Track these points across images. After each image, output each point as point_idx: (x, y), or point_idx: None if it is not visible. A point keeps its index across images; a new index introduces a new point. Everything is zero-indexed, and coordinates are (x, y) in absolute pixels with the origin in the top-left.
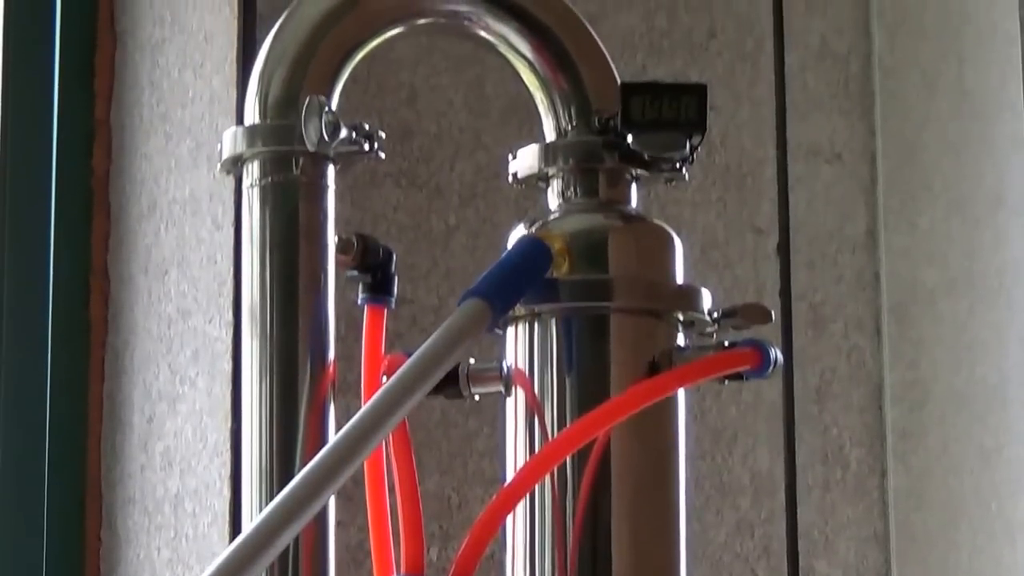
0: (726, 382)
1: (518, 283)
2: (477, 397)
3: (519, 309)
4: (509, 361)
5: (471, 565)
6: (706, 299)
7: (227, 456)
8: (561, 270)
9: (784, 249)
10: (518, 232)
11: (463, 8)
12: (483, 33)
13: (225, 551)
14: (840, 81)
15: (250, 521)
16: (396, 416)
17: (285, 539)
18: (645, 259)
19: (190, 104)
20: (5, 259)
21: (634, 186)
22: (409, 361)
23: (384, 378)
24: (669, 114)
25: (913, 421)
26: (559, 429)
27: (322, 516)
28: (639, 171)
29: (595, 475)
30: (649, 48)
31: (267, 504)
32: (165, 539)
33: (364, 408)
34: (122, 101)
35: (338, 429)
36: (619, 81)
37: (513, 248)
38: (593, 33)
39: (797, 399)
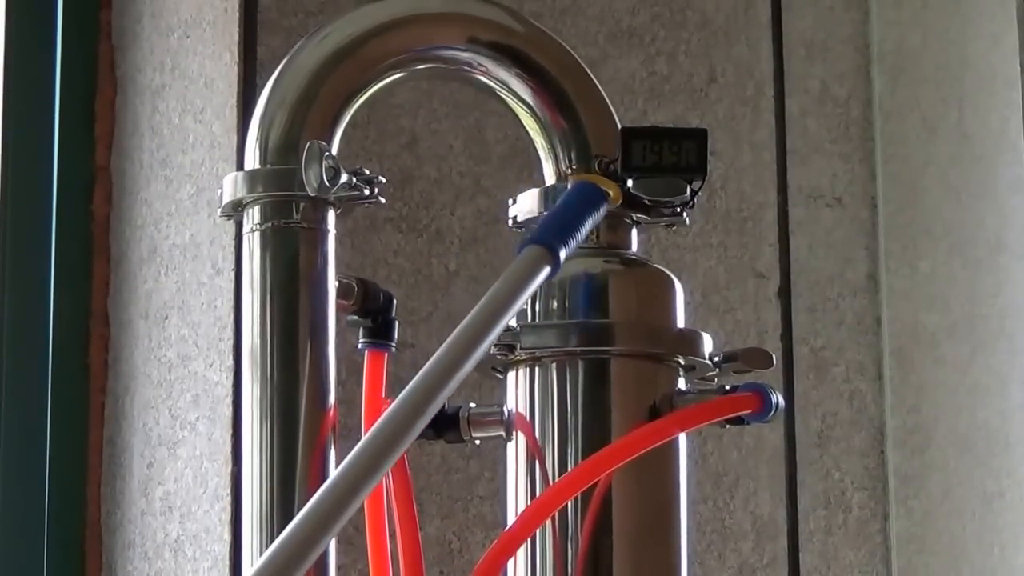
0: (727, 426)
1: (575, 225)
2: (478, 441)
3: (519, 353)
4: (510, 405)
5: None
6: (707, 343)
7: (227, 501)
8: (614, 202)
9: (785, 293)
10: None
11: (463, 54)
12: (483, 78)
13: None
14: (841, 125)
15: (250, 566)
16: (465, 367)
17: (325, 539)
18: (646, 303)
19: (190, 149)
20: (6, 303)
21: (635, 230)
22: (473, 312)
23: None
24: (669, 159)
25: (915, 465)
26: (560, 473)
27: (323, 561)
28: (640, 216)
29: (596, 519)
30: (649, 93)
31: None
32: None
33: (431, 361)
34: (122, 146)
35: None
36: (619, 126)
37: (568, 192)
38: (593, 78)
39: (799, 443)
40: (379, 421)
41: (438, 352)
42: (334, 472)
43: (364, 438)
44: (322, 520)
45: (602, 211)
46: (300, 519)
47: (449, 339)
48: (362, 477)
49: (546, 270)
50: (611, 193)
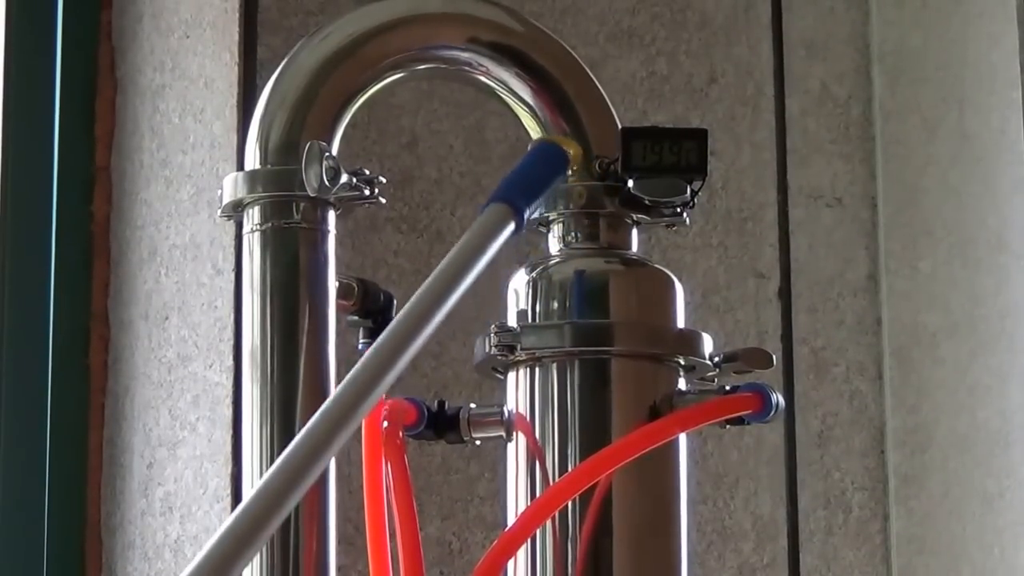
0: (727, 426)
1: (537, 185)
2: (478, 442)
3: (520, 353)
4: (510, 406)
5: None
6: (707, 344)
7: (227, 501)
8: (575, 169)
9: (785, 293)
10: (519, 278)
11: (463, 54)
12: (483, 78)
13: (251, 494)
14: (841, 125)
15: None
16: (428, 327)
17: (316, 469)
18: (646, 304)
19: (191, 150)
20: (6, 303)
21: (635, 231)
22: (437, 270)
23: (385, 423)
24: (670, 159)
25: (915, 465)
26: (560, 474)
27: (323, 561)
28: (640, 216)
29: (596, 520)
30: (650, 93)
31: (268, 550)
32: None
33: (396, 319)
34: (122, 147)
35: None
36: (620, 126)
37: (529, 153)
38: (594, 78)
39: (799, 443)
40: (342, 383)
41: (405, 308)
42: (297, 435)
43: (336, 389)
44: (284, 483)
45: (564, 171)
46: (280, 460)
47: (413, 298)
48: (324, 442)
49: (510, 227)
50: (571, 152)
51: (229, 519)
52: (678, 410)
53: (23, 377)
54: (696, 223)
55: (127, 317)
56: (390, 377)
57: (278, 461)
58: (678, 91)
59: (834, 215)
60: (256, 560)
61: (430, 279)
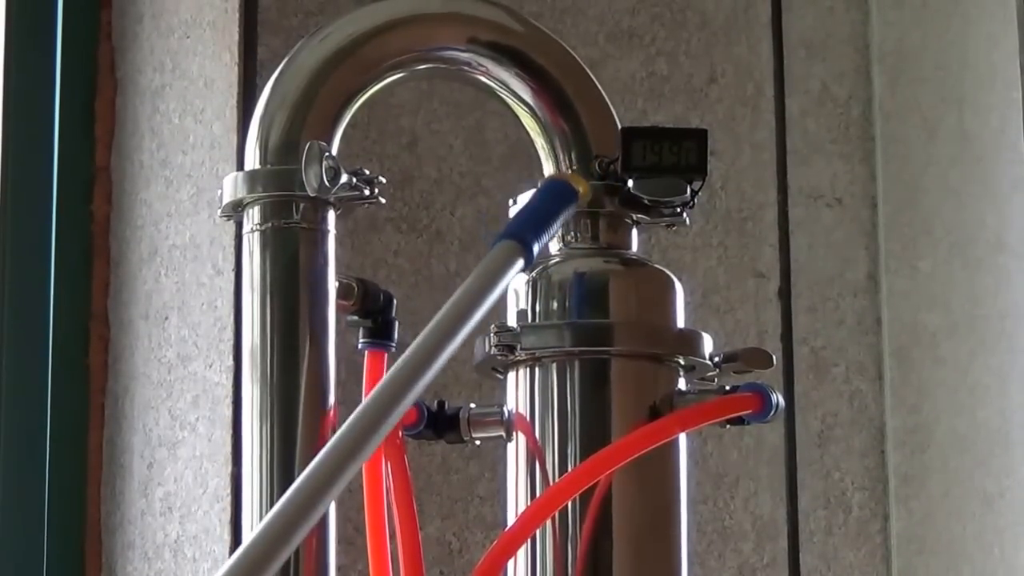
0: (727, 426)
1: (546, 221)
2: (478, 442)
3: (519, 354)
4: (510, 406)
5: None
6: (707, 344)
7: (227, 501)
8: (585, 197)
9: (785, 293)
10: (519, 278)
11: (463, 54)
12: (483, 78)
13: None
14: (841, 126)
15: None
16: (437, 363)
17: (295, 537)
18: (646, 304)
19: (190, 150)
20: (6, 303)
21: (635, 231)
22: (447, 305)
23: None
24: (670, 159)
25: (915, 465)
26: (560, 474)
27: (323, 561)
28: (640, 216)
29: (596, 520)
30: (649, 93)
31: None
32: None
33: (403, 357)
34: (122, 147)
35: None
36: (620, 126)
37: (538, 189)
38: (593, 78)
39: (799, 443)
40: (351, 417)
41: (413, 345)
42: (305, 470)
43: (338, 432)
44: (290, 519)
45: (572, 207)
46: (272, 517)
47: (423, 333)
48: (334, 473)
49: (519, 264)
50: (581, 190)
51: (228, 562)
52: (678, 410)
53: (23, 377)
54: (696, 223)
55: (127, 317)
56: (397, 412)
57: (279, 502)
58: (678, 91)
59: (834, 215)
60: None
61: (439, 315)
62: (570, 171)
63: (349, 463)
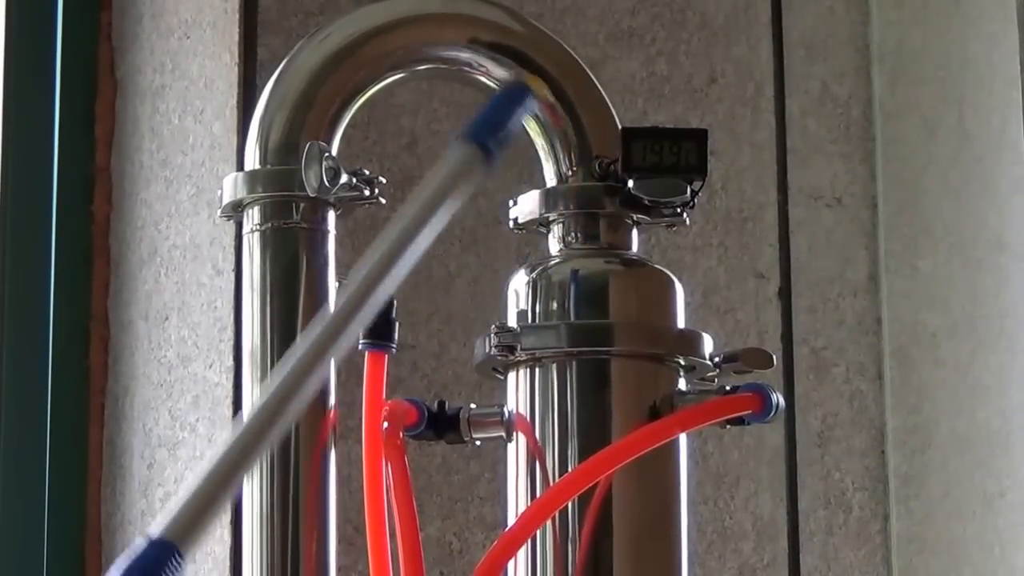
0: (728, 427)
1: (504, 122)
2: (478, 442)
3: (520, 354)
4: (510, 406)
5: None
6: (707, 344)
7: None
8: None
9: (785, 293)
10: (519, 278)
11: (463, 54)
12: (483, 79)
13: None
14: (841, 126)
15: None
16: (401, 268)
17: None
18: (646, 304)
19: (190, 150)
20: (6, 304)
21: (635, 231)
22: (408, 211)
23: (385, 424)
24: (670, 159)
25: (915, 465)
26: (560, 474)
27: (324, 562)
28: (640, 216)
29: (596, 520)
30: (650, 93)
31: (268, 550)
32: None
33: (365, 261)
34: (122, 147)
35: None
36: (620, 126)
37: (494, 94)
38: (594, 78)
39: (799, 444)
40: (313, 323)
41: (374, 251)
42: (287, 359)
43: (305, 333)
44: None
45: (528, 105)
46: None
47: (384, 237)
48: (306, 371)
49: (480, 166)
50: (535, 87)
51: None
52: (678, 410)
53: (23, 377)
54: (696, 223)
55: (127, 317)
56: (362, 316)
57: (275, 377)
58: (678, 91)
59: (834, 215)
60: (257, 560)
61: (401, 219)
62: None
63: (319, 360)
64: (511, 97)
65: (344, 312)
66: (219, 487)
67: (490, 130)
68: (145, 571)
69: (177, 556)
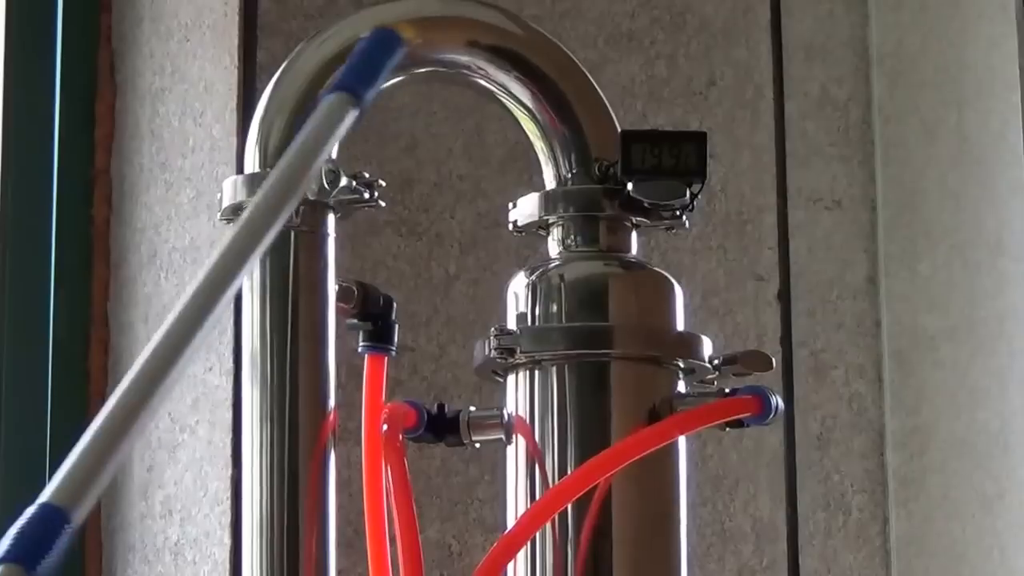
0: (727, 429)
1: (374, 69)
2: (478, 445)
3: (519, 356)
4: (510, 408)
5: None
6: (707, 346)
7: (227, 504)
8: (411, 41)
9: (784, 296)
10: (518, 281)
11: (463, 57)
12: (483, 82)
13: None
14: (840, 128)
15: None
16: (280, 217)
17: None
18: (645, 306)
19: (190, 153)
20: (6, 306)
21: (634, 234)
22: (282, 162)
23: (384, 427)
24: (669, 162)
25: (914, 467)
26: (560, 476)
27: (323, 564)
28: (639, 219)
29: (596, 522)
30: (649, 96)
31: (268, 553)
32: None
33: (243, 216)
34: (122, 150)
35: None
36: (619, 129)
37: (362, 40)
38: (593, 81)
39: (798, 446)
40: (194, 283)
41: (253, 201)
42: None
43: (188, 293)
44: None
45: (398, 52)
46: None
47: (261, 189)
48: (180, 342)
49: (353, 114)
50: (405, 34)
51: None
52: (677, 413)
53: (23, 379)
54: (695, 226)
55: (127, 320)
56: (251, 261)
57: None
58: (677, 94)
59: (833, 218)
60: (257, 563)
61: (277, 170)
62: (561, 137)
63: (203, 318)
64: (380, 45)
65: (236, 250)
66: (106, 451)
67: (361, 79)
68: (35, 539)
69: (65, 521)
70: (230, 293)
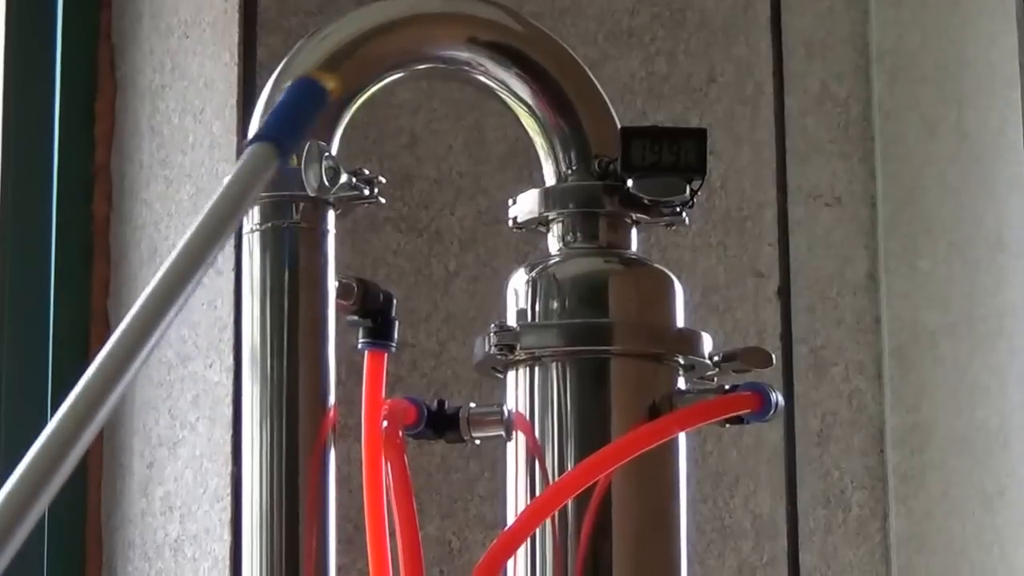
0: (727, 426)
1: (298, 122)
2: (478, 441)
3: (519, 353)
4: (510, 405)
5: None
6: (707, 343)
7: (227, 501)
8: (333, 92)
9: (784, 293)
10: (518, 277)
11: (463, 54)
12: (483, 78)
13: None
14: (840, 125)
15: (250, 567)
16: (199, 272)
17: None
18: (645, 303)
19: (190, 150)
20: (6, 303)
21: (634, 230)
22: (206, 212)
23: (384, 423)
24: (669, 158)
25: (914, 464)
26: (560, 473)
27: (323, 561)
28: (639, 215)
29: (596, 519)
30: (649, 93)
31: (268, 549)
32: None
33: (164, 267)
34: (122, 147)
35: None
36: (619, 126)
37: (286, 90)
38: (593, 78)
39: (798, 442)
40: (122, 323)
41: (175, 250)
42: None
43: (115, 333)
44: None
45: (324, 105)
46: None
47: (184, 238)
48: (120, 366)
49: (275, 164)
50: (330, 87)
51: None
52: (677, 409)
53: (23, 377)
54: (695, 222)
55: None
56: (169, 316)
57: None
58: (677, 91)
59: (833, 214)
60: (257, 559)
61: (200, 220)
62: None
63: (109, 392)
64: (306, 96)
65: (160, 293)
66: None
67: (285, 130)
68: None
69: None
70: (150, 346)
